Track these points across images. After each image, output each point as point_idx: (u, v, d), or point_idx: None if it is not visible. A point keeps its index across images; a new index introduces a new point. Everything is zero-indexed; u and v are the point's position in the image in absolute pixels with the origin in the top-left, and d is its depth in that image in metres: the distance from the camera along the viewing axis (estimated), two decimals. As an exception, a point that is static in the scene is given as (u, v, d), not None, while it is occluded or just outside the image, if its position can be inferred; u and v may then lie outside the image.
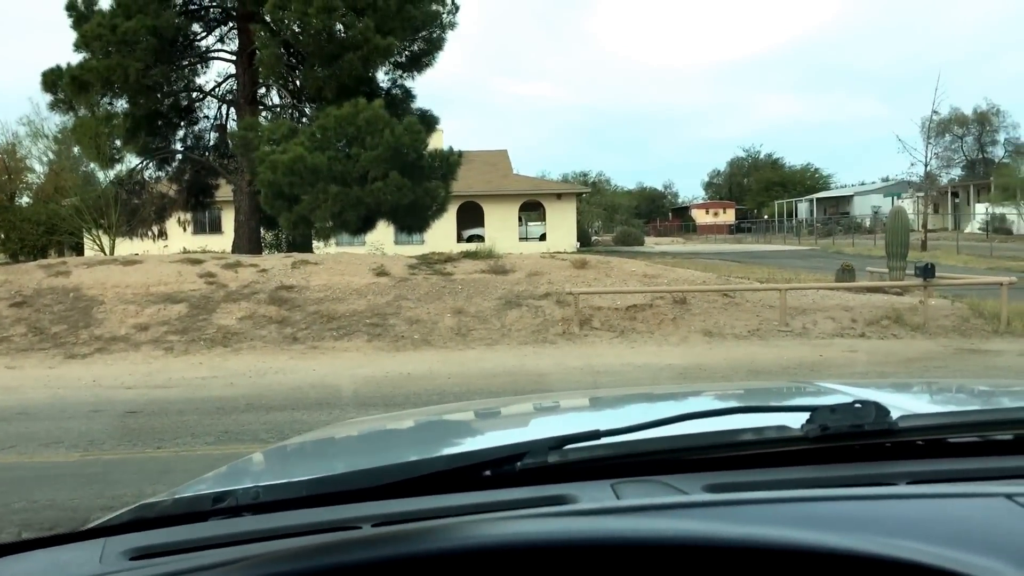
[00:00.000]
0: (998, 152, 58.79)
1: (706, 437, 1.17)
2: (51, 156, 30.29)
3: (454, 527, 0.75)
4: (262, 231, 20.86)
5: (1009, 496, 0.89)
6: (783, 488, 1.02)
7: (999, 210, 42.42)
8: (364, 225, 17.50)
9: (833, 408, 1.14)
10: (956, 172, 58.91)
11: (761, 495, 0.94)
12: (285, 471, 1.70)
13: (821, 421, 1.12)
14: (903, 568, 0.65)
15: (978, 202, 48.62)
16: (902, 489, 1.00)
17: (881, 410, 1.13)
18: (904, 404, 1.60)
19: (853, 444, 1.14)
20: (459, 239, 34.60)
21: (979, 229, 42.50)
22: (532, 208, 40.44)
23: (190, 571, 0.72)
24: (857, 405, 1.14)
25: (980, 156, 59.24)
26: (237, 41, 19.29)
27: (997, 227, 40.36)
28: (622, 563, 0.69)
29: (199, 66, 20.23)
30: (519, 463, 1.13)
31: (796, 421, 1.15)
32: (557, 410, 2.18)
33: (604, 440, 1.17)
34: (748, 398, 2.02)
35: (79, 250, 24.71)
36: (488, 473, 1.15)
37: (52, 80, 18.13)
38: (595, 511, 0.91)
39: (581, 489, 1.09)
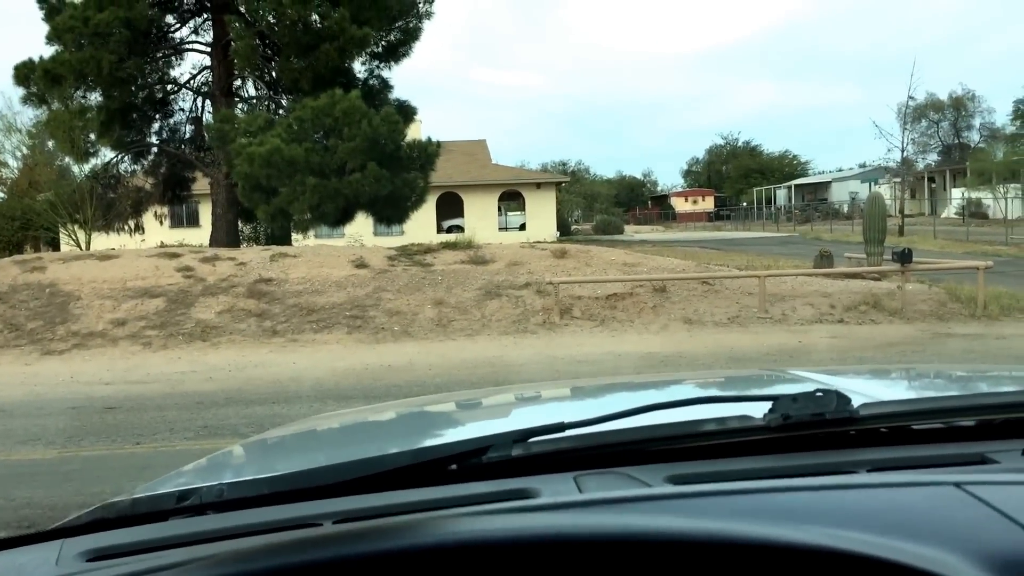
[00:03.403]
0: (974, 137, 59.40)
1: (669, 428, 1.18)
2: (25, 151, 29.93)
3: (414, 524, 0.75)
4: (240, 224, 20.74)
5: (958, 485, 0.90)
6: (745, 478, 1.03)
7: (975, 195, 42.75)
8: (343, 217, 17.43)
9: (795, 397, 1.14)
10: (932, 157, 59.51)
11: (718, 487, 0.95)
12: (263, 464, 1.70)
13: (783, 410, 1.12)
14: (848, 559, 0.66)
15: (954, 187, 49.00)
16: (857, 479, 1.01)
17: (843, 398, 1.14)
18: (871, 391, 1.61)
19: (815, 432, 1.14)
20: (439, 230, 34.50)
21: (955, 214, 42.82)
22: (512, 198, 40.39)
23: (147, 572, 0.72)
24: (819, 393, 1.15)
25: (956, 141, 59.75)
26: (212, 32, 19.13)
27: (973, 212, 40.65)
28: (583, 556, 0.70)
29: (173, 58, 20.07)
30: (484, 456, 1.14)
31: (759, 410, 1.15)
32: (528, 401, 2.19)
33: (568, 432, 1.17)
34: (716, 387, 2.03)
35: (55, 245, 24.44)
36: (454, 467, 1.15)
37: (24, 73, 17.91)
38: (556, 506, 0.92)
39: (544, 482, 1.10)
